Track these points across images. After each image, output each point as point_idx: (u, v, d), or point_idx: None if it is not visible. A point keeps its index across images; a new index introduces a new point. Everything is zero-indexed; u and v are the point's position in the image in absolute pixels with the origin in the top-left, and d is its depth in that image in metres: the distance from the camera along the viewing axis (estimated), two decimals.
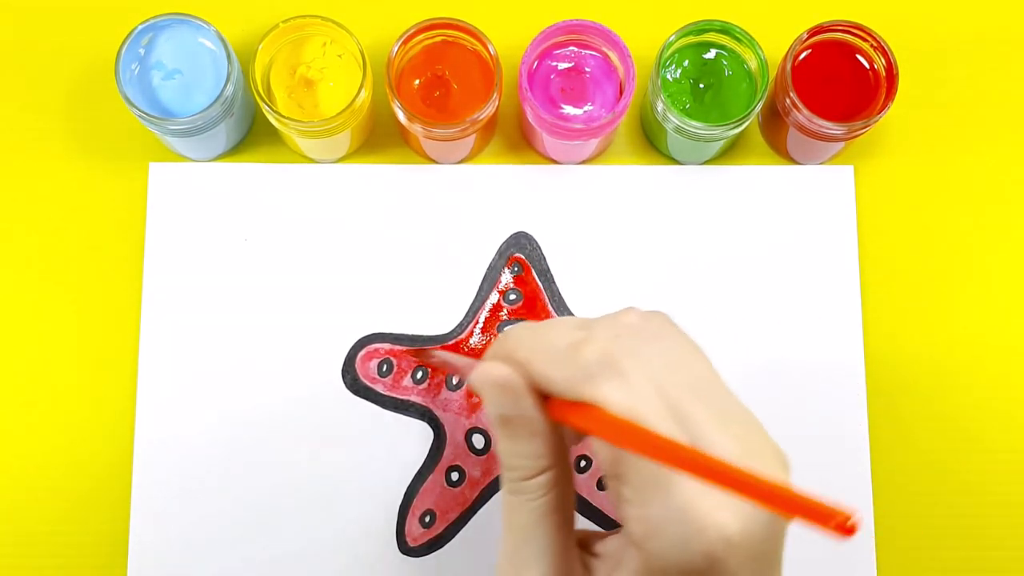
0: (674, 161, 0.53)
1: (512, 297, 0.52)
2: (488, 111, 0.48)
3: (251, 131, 0.53)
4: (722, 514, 0.29)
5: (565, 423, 0.32)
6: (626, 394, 0.30)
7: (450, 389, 0.51)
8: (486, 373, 0.33)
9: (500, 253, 0.52)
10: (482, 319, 0.52)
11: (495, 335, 0.51)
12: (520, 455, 0.33)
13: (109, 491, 0.50)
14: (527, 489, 0.33)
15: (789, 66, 0.49)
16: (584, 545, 0.35)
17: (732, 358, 0.51)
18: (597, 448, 0.32)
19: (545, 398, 0.33)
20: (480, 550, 0.50)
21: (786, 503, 0.25)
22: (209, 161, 0.52)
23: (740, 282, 0.52)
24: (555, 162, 0.53)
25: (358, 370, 0.51)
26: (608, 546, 0.34)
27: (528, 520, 0.33)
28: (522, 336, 0.33)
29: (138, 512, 0.50)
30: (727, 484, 0.26)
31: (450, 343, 0.51)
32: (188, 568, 0.49)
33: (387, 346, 0.51)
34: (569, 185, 0.53)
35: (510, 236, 0.52)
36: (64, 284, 0.52)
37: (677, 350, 0.33)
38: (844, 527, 0.24)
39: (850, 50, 0.50)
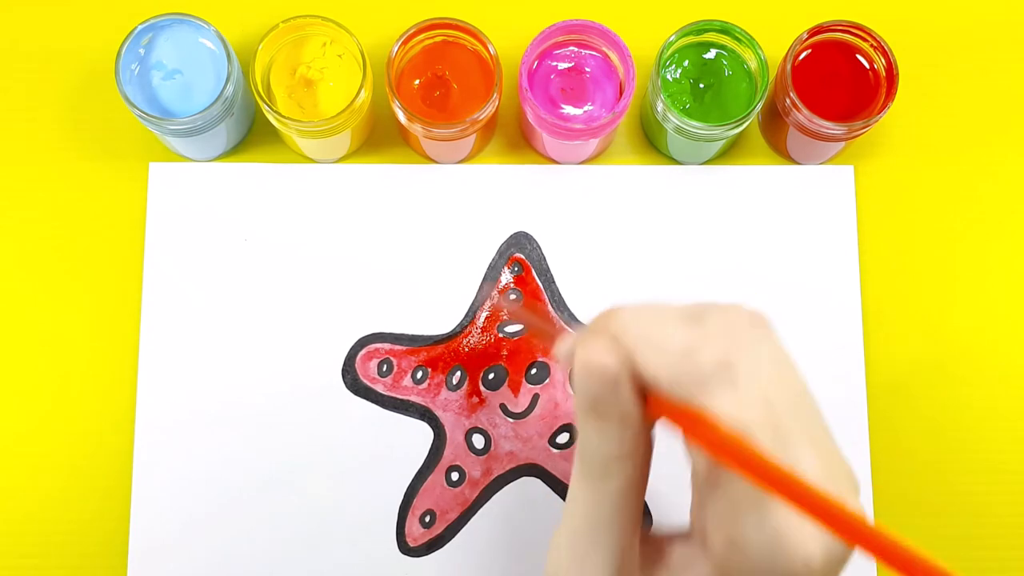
0: (674, 161, 0.53)
1: (512, 297, 0.52)
2: (488, 111, 0.48)
3: (251, 131, 0.53)
4: (811, 544, 0.28)
5: (667, 424, 0.30)
6: (737, 407, 0.28)
7: (450, 389, 0.51)
8: (590, 357, 0.30)
9: (500, 253, 0.52)
10: (482, 319, 0.52)
11: (495, 335, 0.51)
12: (604, 445, 0.31)
13: (109, 489, 0.50)
14: (604, 481, 0.31)
15: (789, 66, 0.49)
16: (646, 543, 0.34)
17: None
18: (694, 455, 0.30)
19: (643, 390, 0.31)
20: (480, 550, 0.50)
21: (876, 546, 0.24)
22: (209, 161, 0.52)
23: (740, 282, 0.52)
24: (555, 162, 0.53)
25: (358, 370, 0.51)
26: (675, 552, 0.33)
27: (600, 513, 0.31)
28: (630, 321, 0.31)
29: (138, 511, 0.50)
30: (822, 517, 0.25)
31: (450, 343, 0.51)
32: (188, 567, 0.49)
33: (387, 346, 0.51)
34: (569, 185, 0.53)
35: (510, 236, 0.52)
36: (64, 284, 0.52)
37: (780, 359, 0.31)
38: None
39: (850, 50, 0.50)
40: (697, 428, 0.29)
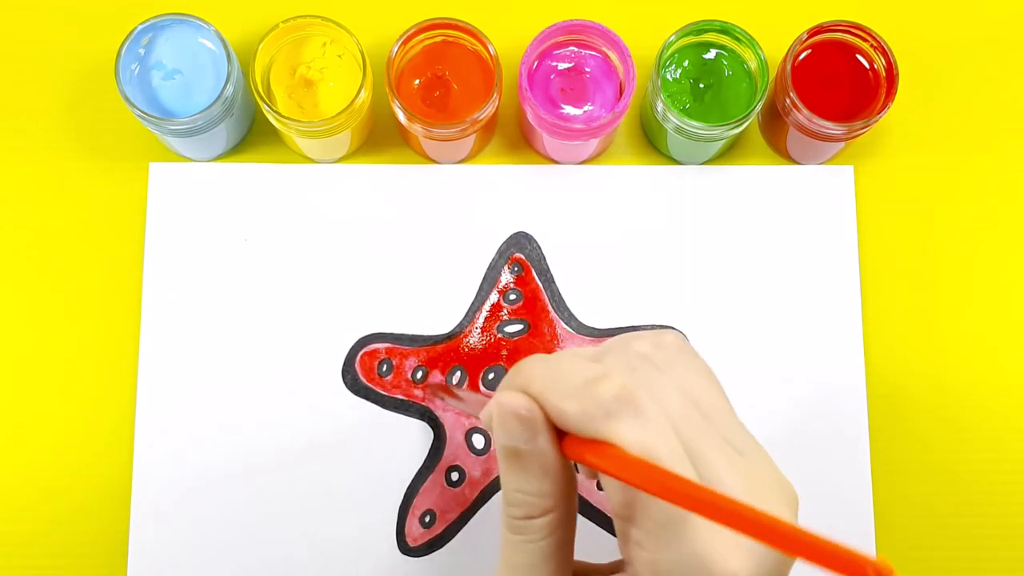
0: (674, 161, 0.53)
1: (512, 297, 0.52)
2: (488, 111, 0.48)
3: (251, 131, 0.53)
4: (734, 560, 0.29)
5: (579, 461, 0.31)
6: (643, 433, 0.29)
7: (446, 386, 0.51)
8: (505, 403, 0.31)
9: (500, 253, 0.52)
10: (482, 319, 0.52)
11: (495, 335, 0.51)
12: (527, 492, 0.32)
13: (109, 489, 0.50)
14: (529, 529, 0.32)
15: (789, 66, 0.49)
16: None
17: (732, 358, 0.51)
18: (610, 490, 0.31)
19: (559, 435, 0.31)
20: (480, 550, 0.50)
21: (808, 548, 0.24)
22: (209, 161, 0.52)
23: (740, 282, 0.52)
24: (555, 162, 0.53)
25: (358, 370, 0.51)
26: None
27: (527, 561, 0.32)
28: (535, 369, 0.32)
29: (138, 512, 0.50)
30: (744, 527, 0.25)
31: (450, 343, 0.51)
32: (188, 568, 0.49)
33: (387, 346, 0.51)
34: (569, 185, 0.53)
35: (510, 236, 0.52)
36: (64, 284, 0.52)
37: (691, 378, 0.32)
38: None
39: (850, 50, 0.50)
40: (604, 458, 0.29)
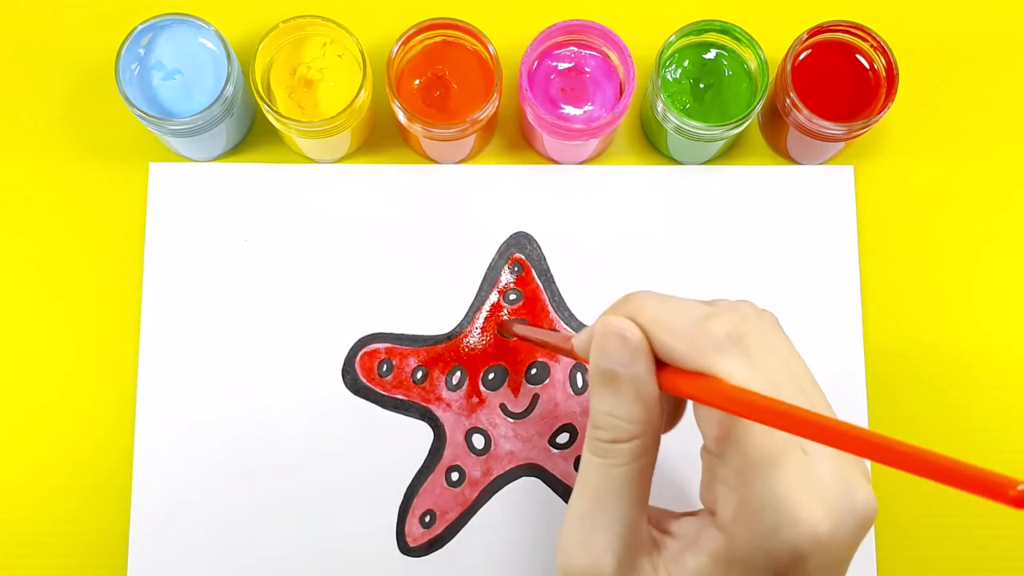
0: (674, 161, 0.53)
1: (512, 297, 0.52)
2: (488, 111, 0.48)
3: (251, 131, 0.53)
4: (818, 512, 0.29)
5: (679, 393, 0.32)
6: (751, 372, 0.30)
7: (450, 389, 0.51)
8: (611, 323, 0.32)
9: (500, 253, 0.52)
10: (482, 319, 0.52)
11: (494, 335, 0.51)
12: (618, 416, 0.32)
13: (109, 489, 0.50)
14: (615, 453, 0.32)
15: (789, 66, 0.49)
16: (655, 522, 0.35)
17: None
18: (706, 425, 0.32)
19: (658, 366, 0.32)
20: (480, 550, 0.50)
21: (946, 472, 0.24)
22: (209, 161, 0.52)
23: (740, 282, 0.52)
24: (555, 162, 0.53)
25: (358, 370, 0.51)
26: (683, 526, 0.34)
27: (609, 485, 0.33)
28: (647, 301, 0.33)
29: (138, 512, 0.50)
30: (859, 449, 0.25)
31: (450, 343, 0.51)
32: (188, 568, 0.49)
33: (387, 346, 0.51)
34: (569, 185, 0.53)
35: (510, 236, 0.52)
36: (64, 284, 0.52)
37: (789, 349, 0.33)
38: (1018, 497, 0.22)
39: (850, 50, 0.50)
40: (708, 391, 0.30)
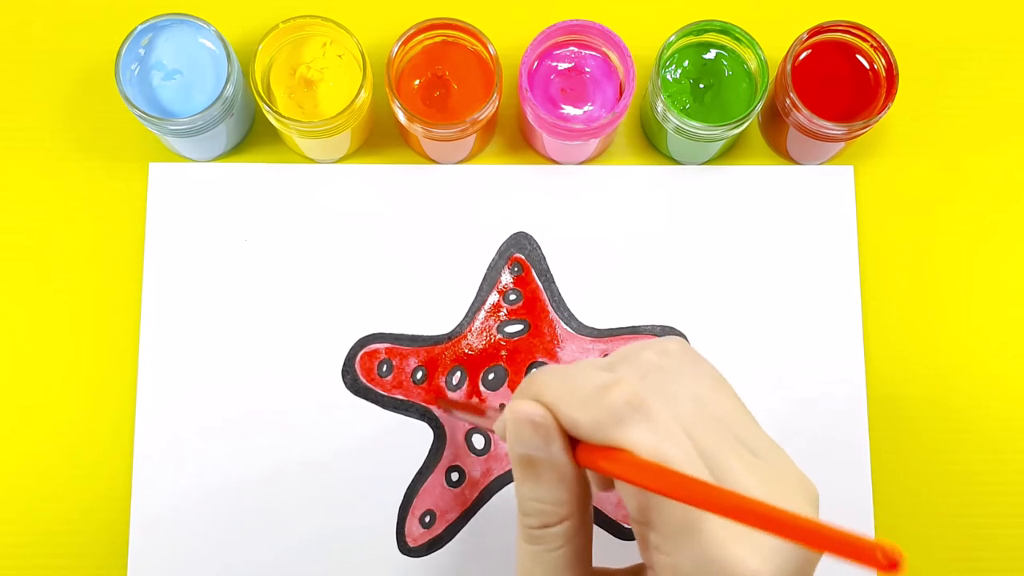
0: (674, 161, 0.53)
1: (512, 297, 0.52)
2: (488, 111, 0.48)
3: (251, 131, 0.53)
4: (753, 560, 0.29)
5: (593, 468, 0.31)
6: (655, 437, 0.29)
7: (450, 389, 0.51)
8: (519, 410, 0.31)
9: (500, 253, 0.52)
10: (481, 319, 0.52)
11: (495, 335, 0.51)
12: (543, 500, 0.32)
13: (109, 489, 0.50)
14: (548, 538, 0.32)
15: (789, 66, 0.49)
16: None
17: (732, 358, 0.51)
18: (625, 495, 0.31)
19: (572, 443, 0.32)
20: (480, 550, 0.50)
21: (821, 539, 0.24)
22: (209, 161, 0.52)
23: (740, 282, 0.52)
24: (555, 162, 0.53)
25: (358, 370, 0.51)
26: None
27: (546, 571, 0.32)
28: (548, 380, 0.32)
29: (138, 511, 0.50)
30: (759, 523, 0.25)
31: (449, 343, 0.51)
32: (188, 568, 0.49)
33: (387, 346, 0.51)
34: (569, 185, 0.53)
35: (510, 236, 0.52)
36: (64, 284, 0.52)
37: (701, 383, 0.32)
38: (888, 563, 0.22)
39: (850, 50, 0.50)
40: (618, 464, 0.29)
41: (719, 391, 0.32)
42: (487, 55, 0.49)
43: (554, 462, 0.31)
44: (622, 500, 0.32)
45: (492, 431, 0.36)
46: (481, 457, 0.51)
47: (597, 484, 0.34)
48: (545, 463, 0.32)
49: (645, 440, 0.29)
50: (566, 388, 0.31)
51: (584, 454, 0.31)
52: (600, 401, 0.30)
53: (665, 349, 0.33)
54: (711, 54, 0.50)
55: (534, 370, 0.33)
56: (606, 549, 0.49)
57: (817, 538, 0.24)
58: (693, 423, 0.30)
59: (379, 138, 0.53)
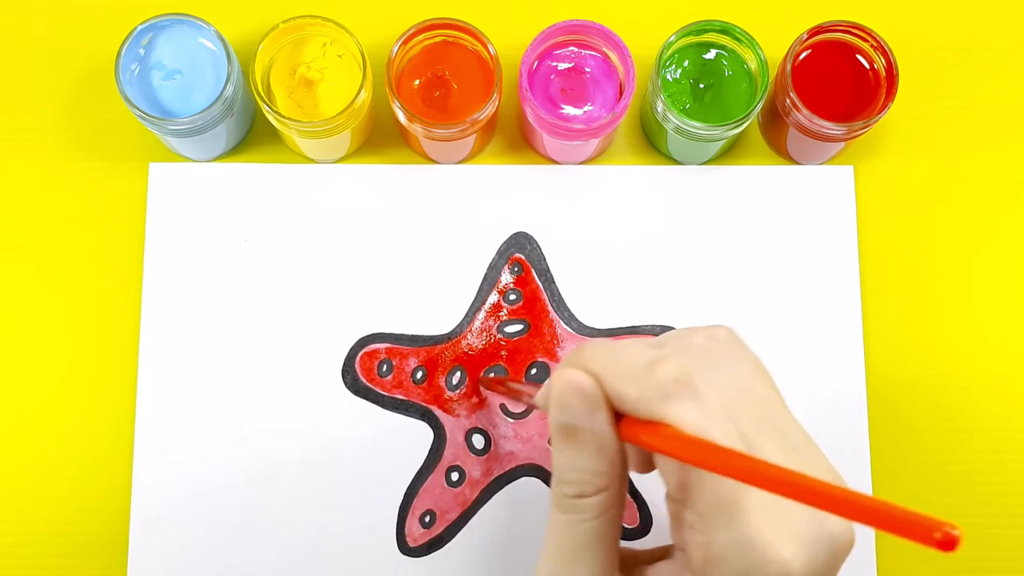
0: (674, 161, 0.53)
1: (512, 297, 0.52)
2: (488, 111, 0.48)
3: (251, 131, 0.53)
4: (787, 548, 0.29)
5: (635, 442, 0.31)
6: (701, 415, 0.29)
7: (450, 389, 0.51)
8: (567, 378, 0.31)
9: (500, 253, 0.52)
10: (481, 319, 0.52)
11: (495, 335, 0.51)
12: (581, 470, 0.32)
13: (109, 490, 0.50)
14: (581, 508, 0.32)
15: (789, 66, 0.49)
16: (627, 566, 0.34)
17: None
18: (664, 471, 0.31)
19: (616, 417, 0.32)
20: (480, 550, 0.50)
21: (877, 515, 0.24)
22: (209, 161, 0.52)
23: (740, 282, 0.52)
24: (555, 162, 0.53)
25: (358, 370, 0.51)
26: (657, 572, 0.33)
27: (579, 541, 0.32)
28: (596, 352, 0.32)
29: (138, 511, 0.50)
30: (802, 496, 0.25)
31: (449, 343, 0.51)
32: (188, 568, 0.49)
33: (387, 346, 0.51)
34: (569, 185, 0.53)
35: (510, 236, 0.52)
36: (64, 284, 0.52)
37: (746, 372, 0.33)
38: (946, 540, 0.22)
39: (850, 50, 0.50)
40: (662, 439, 0.29)
41: (762, 380, 0.33)
42: (487, 55, 0.49)
43: (597, 432, 0.31)
44: (660, 475, 0.32)
45: (532, 404, 0.36)
46: (481, 457, 0.51)
47: (635, 466, 0.34)
48: (587, 432, 0.31)
49: (692, 417, 0.29)
50: (615, 361, 0.31)
51: (627, 427, 0.31)
52: (649, 376, 0.30)
53: (714, 335, 0.33)
54: (711, 54, 0.50)
55: (582, 344, 0.33)
56: None
57: (872, 514, 0.23)
58: (736, 407, 0.31)
59: (379, 138, 0.53)
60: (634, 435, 0.31)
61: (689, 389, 0.30)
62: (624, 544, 0.34)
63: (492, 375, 0.51)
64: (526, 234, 0.52)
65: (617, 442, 0.32)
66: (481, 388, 0.51)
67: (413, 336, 0.51)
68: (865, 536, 0.50)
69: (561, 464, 0.32)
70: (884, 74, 0.50)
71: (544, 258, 0.52)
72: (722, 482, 0.29)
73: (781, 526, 0.29)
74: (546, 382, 0.34)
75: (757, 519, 0.29)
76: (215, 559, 0.50)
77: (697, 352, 0.32)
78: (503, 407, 0.51)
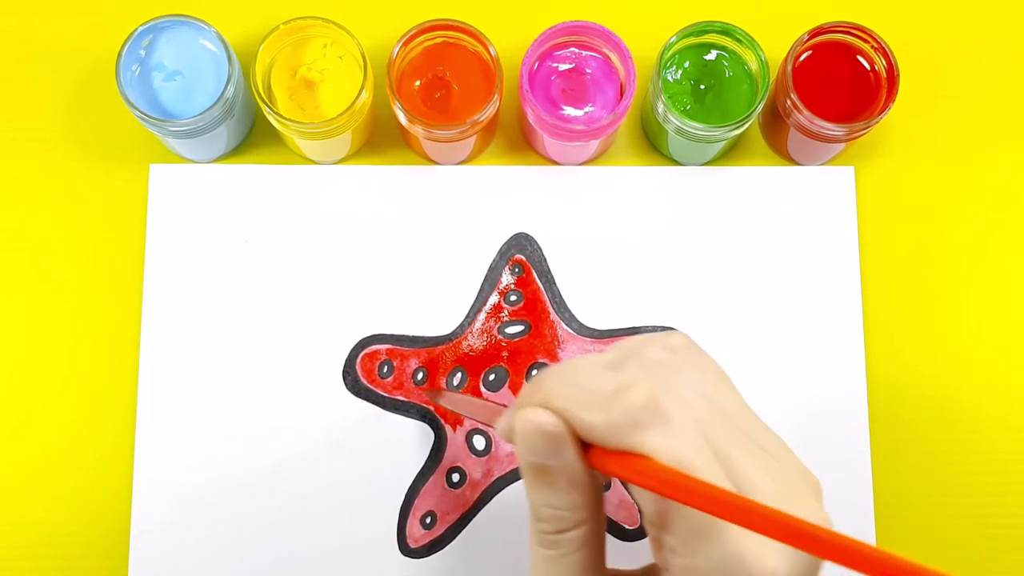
0: (675, 162, 0.53)
1: (513, 298, 0.52)
2: (489, 112, 0.48)
3: (252, 132, 0.53)
4: (771, 558, 0.28)
5: (607, 474, 0.31)
6: (673, 441, 0.29)
7: (451, 390, 0.51)
8: (529, 419, 0.30)
9: (501, 254, 0.52)
10: (482, 320, 0.52)
11: (495, 336, 0.51)
12: (556, 507, 0.31)
13: (109, 490, 0.50)
14: (562, 543, 0.32)
15: (790, 67, 0.49)
16: None
17: (732, 359, 0.51)
18: (640, 499, 0.31)
19: (584, 447, 0.31)
20: (481, 551, 0.50)
21: (839, 551, 0.24)
22: (210, 163, 0.52)
23: (741, 283, 0.52)
24: (556, 163, 0.53)
25: (359, 371, 0.51)
26: None
27: (565, 575, 0.32)
28: (555, 383, 0.31)
29: (138, 511, 0.50)
30: (777, 533, 0.25)
31: (450, 344, 0.51)
32: (188, 569, 0.49)
33: (388, 347, 0.51)
34: (570, 186, 0.53)
35: (511, 237, 0.52)
36: (64, 285, 0.52)
37: (710, 382, 0.32)
38: None
39: (851, 51, 0.50)
40: (635, 470, 0.29)
41: (726, 388, 0.32)
42: (488, 56, 0.49)
43: (567, 468, 0.31)
44: (624, 501, 0.32)
45: (490, 427, 0.36)
46: (482, 458, 0.51)
47: (601, 483, 0.33)
48: (558, 469, 0.31)
49: (664, 444, 0.29)
50: (576, 390, 0.31)
51: (598, 458, 0.30)
52: (616, 404, 0.29)
53: (670, 345, 0.32)
54: (712, 55, 0.50)
55: (535, 373, 0.32)
56: (608, 550, 0.49)
57: (835, 550, 0.23)
58: (706, 422, 0.30)
59: (380, 139, 0.53)
60: (606, 466, 0.30)
61: (659, 414, 0.29)
62: (611, 567, 0.34)
63: (446, 392, 0.50)
64: (527, 235, 0.52)
65: (588, 474, 0.31)
66: (429, 397, 0.51)
67: (414, 337, 0.51)
68: (865, 535, 0.50)
69: (535, 502, 0.32)
70: (885, 75, 0.50)
71: (545, 259, 0.52)
72: None
73: (762, 539, 0.28)
74: (505, 412, 0.33)
75: (739, 535, 0.28)
76: (216, 560, 0.50)
77: (658, 368, 0.31)
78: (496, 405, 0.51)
